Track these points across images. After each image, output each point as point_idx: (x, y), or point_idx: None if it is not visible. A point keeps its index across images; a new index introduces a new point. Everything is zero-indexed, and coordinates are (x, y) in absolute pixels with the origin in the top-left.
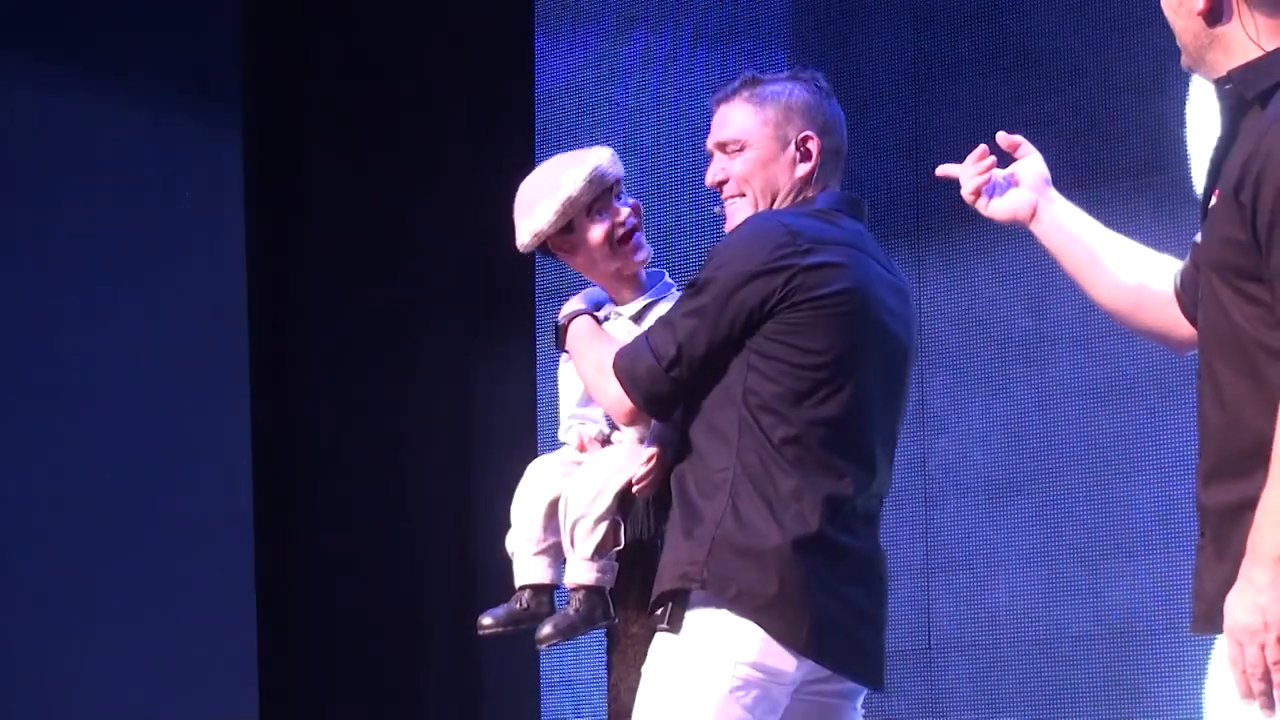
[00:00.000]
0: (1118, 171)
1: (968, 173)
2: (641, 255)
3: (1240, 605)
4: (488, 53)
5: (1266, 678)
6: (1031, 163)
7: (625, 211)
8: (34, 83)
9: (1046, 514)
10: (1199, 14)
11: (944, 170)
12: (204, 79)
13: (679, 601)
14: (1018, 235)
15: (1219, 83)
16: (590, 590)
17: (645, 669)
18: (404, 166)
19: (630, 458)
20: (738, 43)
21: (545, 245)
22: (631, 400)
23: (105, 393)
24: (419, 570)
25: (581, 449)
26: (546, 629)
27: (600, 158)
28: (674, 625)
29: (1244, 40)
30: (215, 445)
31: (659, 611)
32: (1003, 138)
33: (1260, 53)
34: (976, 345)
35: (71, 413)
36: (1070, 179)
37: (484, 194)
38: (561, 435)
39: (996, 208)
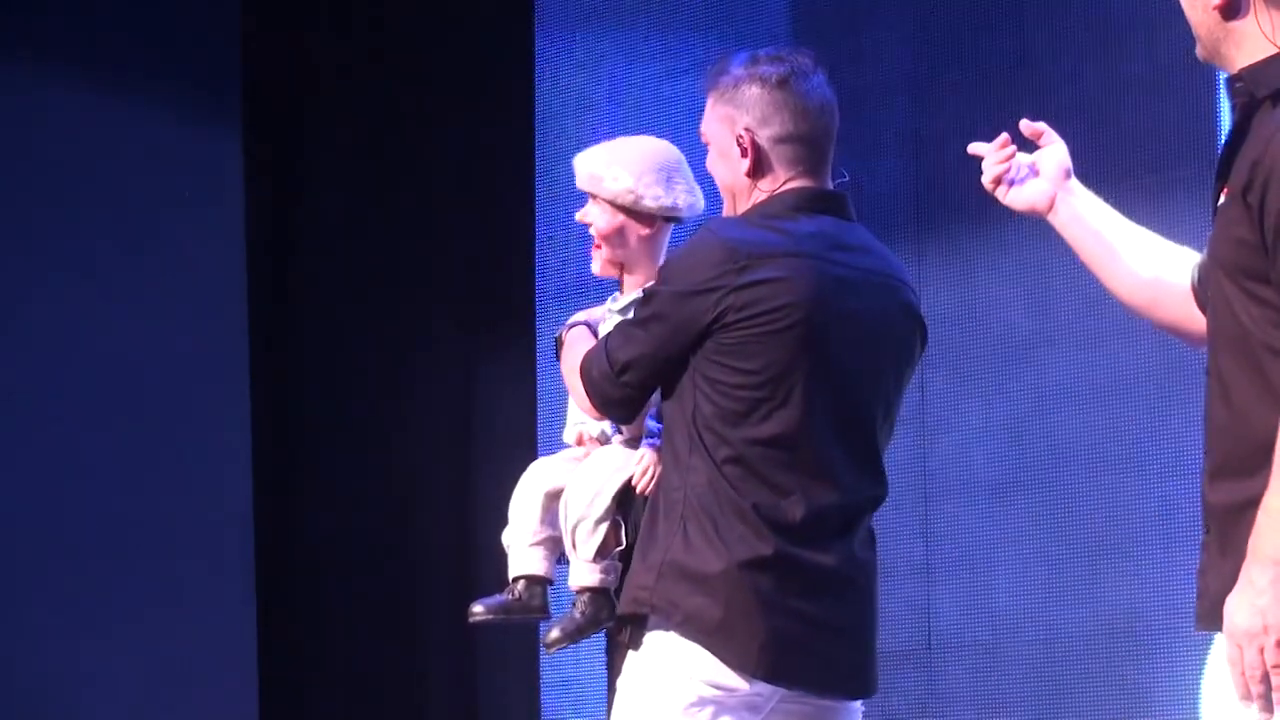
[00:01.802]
0: (1118, 171)
1: (990, 160)
2: (593, 265)
3: (1240, 607)
4: (488, 52)
5: (1266, 680)
6: (1053, 152)
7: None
8: (34, 83)
9: (1046, 514)
10: (1215, 8)
11: (974, 149)
12: (204, 79)
13: (636, 624)
14: (1018, 235)
15: (1230, 80)
16: (595, 592)
17: (618, 685)
18: (404, 166)
19: (628, 458)
20: (737, 41)
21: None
22: (590, 401)
23: (105, 392)
24: (419, 570)
25: (580, 443)
26: (554, 633)
27: (581, 161)
28: (634, 645)
29: (1258, 37)
30: (215, 445)
31: (623, 632)
32: (1026, 125)
33: (1275, 50)
34: (976, 345)
35: (71, 412)
36: None
37: (484, 194)
38: (565, 437)
39: (1015, 198)
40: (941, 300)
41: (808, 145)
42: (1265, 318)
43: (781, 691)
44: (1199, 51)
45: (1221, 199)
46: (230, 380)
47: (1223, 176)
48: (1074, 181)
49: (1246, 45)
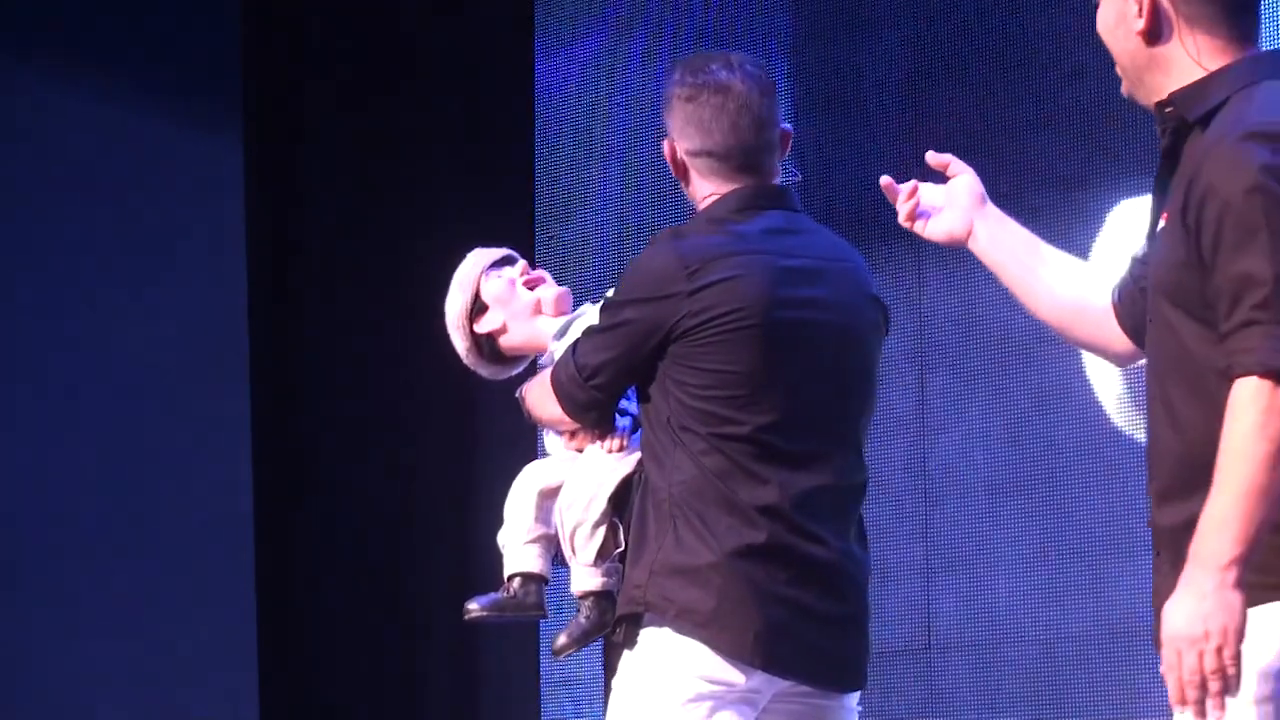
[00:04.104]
0: (1116, 171)
1: (900, 200)
2: (551, 286)
3: (1181, 612)
4: (488, 54)
5: (1203, 686)
6: (964, 181)
7: (523, 265)
8: (34, 83)
9: (1046, 514)
10: (1139, 34)
11: (885, 183)
12: (204, 78)
13: (632, 623)
14: None
15: (1159, 105)
16: (598, 596)
17: (613, 683)
18: (404, 166)
19: (620, 459)
20: (738, 43)
21: (479, 343)
22: (559, 405)
23: (105, 392)
24: (419, 570)
25: (571, 437)
26: (561, 639)
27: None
28: (629, 644)
29: (1185, 60)
30: (215, 445)
31: (617, 631)
32: (931, 158)
33: (1202, 73)
34: (976, 345)
35: (71, 412)
36: (1069, 179)
37: (484, 193)
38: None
39: (934, 229)
40: (941, 300)
41: (721, 159)
42: (1209, 339)
43: (777, 686)
44: (1124, 87)
45: (1161, 224)
46: (230, 380)
47: (1159, 201)
48: (990, 207)
49: (1174, 70)
